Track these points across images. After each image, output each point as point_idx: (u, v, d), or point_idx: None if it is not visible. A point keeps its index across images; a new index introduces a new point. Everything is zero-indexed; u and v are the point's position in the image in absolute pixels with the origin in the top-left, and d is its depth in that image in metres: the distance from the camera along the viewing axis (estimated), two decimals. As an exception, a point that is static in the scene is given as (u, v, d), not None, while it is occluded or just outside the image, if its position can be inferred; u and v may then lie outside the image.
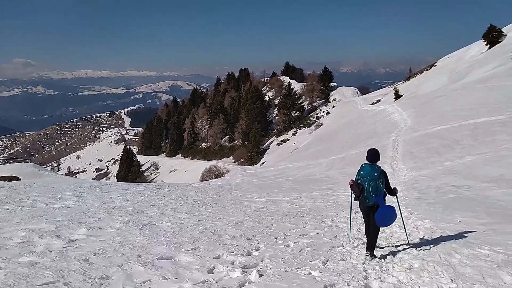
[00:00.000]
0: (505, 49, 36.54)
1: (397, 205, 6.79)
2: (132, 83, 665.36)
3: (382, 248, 6.67)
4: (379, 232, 6.51)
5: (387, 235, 7.55)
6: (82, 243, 6.40)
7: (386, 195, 6.18)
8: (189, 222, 8.78)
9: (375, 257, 6.05)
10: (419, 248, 6.31)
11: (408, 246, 6.56)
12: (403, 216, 7.20)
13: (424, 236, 7.11)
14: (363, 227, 8.16)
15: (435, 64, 60.23)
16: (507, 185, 10.94)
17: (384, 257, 6.03)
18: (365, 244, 6.45)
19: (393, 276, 5.10)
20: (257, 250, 6.48)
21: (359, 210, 6.99)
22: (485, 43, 45.17)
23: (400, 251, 6.31)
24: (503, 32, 43.39)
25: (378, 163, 6.21)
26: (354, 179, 6.22)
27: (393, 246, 6.70)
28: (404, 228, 7.06)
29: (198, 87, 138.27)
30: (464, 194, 11.08)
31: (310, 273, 5.26)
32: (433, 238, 6.92)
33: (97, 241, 6.58)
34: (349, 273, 5.24)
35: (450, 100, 28.91)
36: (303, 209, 11.42)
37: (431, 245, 6.43)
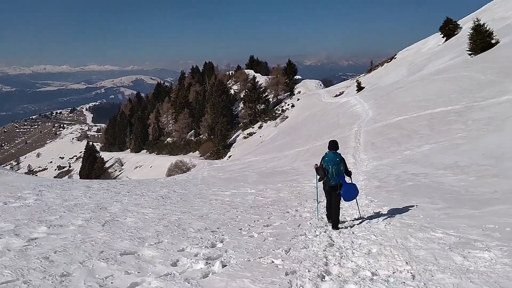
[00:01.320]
0: (460, 41, 37.91)
1: (347, 180, 7.72)
2: (94, 78, 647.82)
3: (343, 230, 6.88)
4: (340, 209, 7.73)
5: (348, 223, 7.78)
6: (42, 241, 6.27)
7: (344, 176, 7.47)
8: (153, 217, 8.74)
9: (339, 228, 7.30)
10: (378, 234, 6.55)
11: (361, 221, 7.65)
12: (355, 190, 7.80)
13: (382, 223, 7.37)
14: (325, 216, 8.44)
15: (395, 57, 61.83)
16: (461, 171, 11.45)
17: (344, 234, 6.30)
18: (328, 225, 7.64)
19: (352, 261, 5.29)
20: (221, 241, 6.55)
21: (321, 200, 8.67)
22: (442, 35, 46.69)
23: (360, 237, 6.53)
24: (459, 24, 44.95)
25: (338, 151, 7.60)
26: (319, 164, 7.51)
27: (353, 233, 6.91)
28: (356, 202, 8.34)
29: (162, 82, 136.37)
30: (422, 181, 11.52)
31: (273, 262, 5.37)
32: (391, 223, 7.19)
33: (58, 239, 6.46)
34: (310, 260, 5.39)
35: (409, 92, 29.79)
36: (268, 201, 11.57)
37: (389, 231, 6.69)
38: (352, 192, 7.37)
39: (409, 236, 6.16)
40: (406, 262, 4.95)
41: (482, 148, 12.92)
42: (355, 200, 7.87)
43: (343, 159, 7.49)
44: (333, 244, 6.20)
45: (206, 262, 5.34)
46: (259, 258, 5.56)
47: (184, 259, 5.51)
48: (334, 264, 5.20)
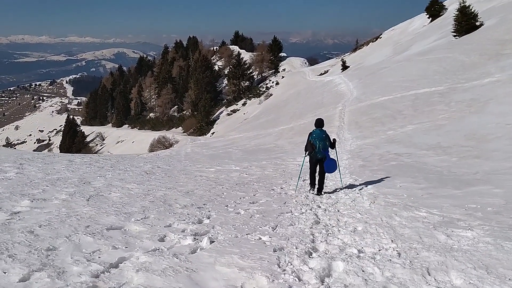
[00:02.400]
0: (446, 22, 38.06)
1: (336, 155, 9.08)
2: (74, 50, 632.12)
3: (329, 208, 6.97)
4: (324, 179, 8.83)
5: (333, 201, 7.87)
6: (26, 215, 6.16)
7: (329, 150, 8.64)
8: (138, 192, 8.67)
9: (322, 194, 8.58)
10: (363, 213, 6.64)
11: (341, 189, 8.59)
12: (338, 162, 9.26)
13: (367, 201, 7.48)
14: (310, 194, 8.53)
15: (380, 36, 61.85)
16: (443, 152, 11.67)
17: (330, 212, 6.39)
18: (312, 191, 8.80)
19: (338, 238, 5.36)
20: (208, 218, 6.55)
21: (306, 178, 9.47)
22: (428, 16, 46.79)
23: (345, 215, 6.62)
24: (445, 5, 45.08)
25: (324, 129, 8.63)
26: (307, 140, 8.61)
27: (338, 211, 7.00)
28: (339, 171, 9.47)
29: (145, 55, 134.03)
30: (405, 161, 11.71)
31: (260, 238, 5.41)
32: (375, 202, 7.30)
33: (42, 212, 6.36)
34: (297, 237, 5.44)
35: (394, 72, 29.96)
36: (253, 178, 11.60)
37: (374, 209, 6.80)
38: (332, 166, 8.53)
39: (393, 214, 6.26)
40: (392, 240, 5.04)
41: (464, 129, 13.16)
42: (338, 171, 9.00)
43: (328, 135, 8.60)
44: (319, 222, 6.27)
45: (194, 238, 5.33)
46: (246, 234, 5.58)
47: (172, 234, 5.50)
48: (321, 241, 5.26)
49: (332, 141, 8.66)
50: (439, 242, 4.85)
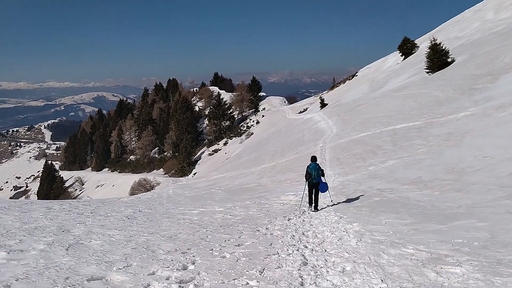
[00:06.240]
0: (418, 59, 39.44)
1: (325, 180, 12.19)
2: (53, 95, 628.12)
3: (315, 248, 6.86)
4: (319, 198, 11.90)
5: (320, 240, 7.78)
6: (2, 267, 5.88)
7: (321, 178, 11.71)
8: (120, 238, 8.42)
9: (318, 210, 11.60)
10: (350, 251, 6.56)
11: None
12: (329, 187, 12.39)
13: (354, 239, 7.41)
14: (296, 234, 8.43)
15: (356, 74, 63.64)
16: (425, 186, 11.77)
17: (317, 252, 6.23)
18: (310, 212, 11.63)
19: (327, 280, 5.25)
20: (193, 263, 6.37)
21: (292, 217, 10.20)
22: (400, 54, 48.51)
23: (332, 255, 6.52)
24: (416, 43, 46.89)
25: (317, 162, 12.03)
26: (306, 171, 11.75)
27: (325, 251, 6.90)
28: (329, 193, 12.37)
29: (124, 98, 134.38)
30: (388, 196, 11.74)
31: (248, 283, 5.26)
32: (362, 240, 7.24)
33: (19, 265, 6.09)
34: (285, 280, 5.31)
35: (371, 108, 30.61)
36: (237, 219, 11.43)
37: (361, 248, 6.72)
38: (325, 187, 11.73)
39: (381, 252, 6.20)
40: (382, 280, 4.96)
41: (444, 163, 13.35)
42: (327, 192, 12.06)
43: (320, 167, 11.83)
44: (307, 263, 6.15)
45: (179, 286, 5.16)
46: (233, 279, 5.43)
47: (156, 283, 5.31)
48: (310, 283, 5.14)
49: (322, 171, 11.83)
50: (429, 280, 4.80)
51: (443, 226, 7.56)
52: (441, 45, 30.38)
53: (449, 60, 29.89)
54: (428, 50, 30.81)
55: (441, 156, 14.28)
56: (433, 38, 31.07)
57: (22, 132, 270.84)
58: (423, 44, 42.61)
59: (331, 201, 12.30)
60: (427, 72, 31.00)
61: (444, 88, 23.73)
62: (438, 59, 29.97)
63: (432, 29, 51.59)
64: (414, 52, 46.13)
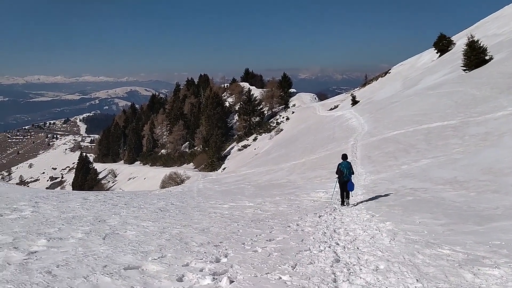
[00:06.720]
0: (454, 56, 38.35)
1: (352, 179, 12.46)
2: (88, 89, 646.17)
3: (347, 245, 6.83)
4: (350, 195, 12.50)
5: (352, 238, 7.73)
6: (43, 254, 6.13)
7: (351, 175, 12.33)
8: (154, 230, 8.62)
9: (349, 204, 12.15)
10: (384, 250, 6.49)
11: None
12: (360, 185, 14.07)
13: (387, 238, 7.33)
14: (327, 231, 8.40)
15: (389, 71, 62.37)
16: (460, 187, 11.49)
17: (349, 249, 6.20)
18: (341, 209, 11.88)
19: (360, 277, 5.22)
20: (226, 256, 6.46)
21: (322, 214, 10.22)
22: (436, 51, 47.24)
23: (365, 253, 6.47)
24: (453, 40, 45.53)
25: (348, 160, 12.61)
26: (337, 168, 12.48)
27: (358, 249, 6.86)
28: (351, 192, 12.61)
29: (157, 93, 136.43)
30: (422, 196, 11.53)
31: (280, 278, 5.29)
32: (395, 239, 7.15)
33: (59, 252, 6.33)
34: (318, 276, 5.31)
35: (405, 106, 30.01)
36: (267, 214, 11.49)
37: (394, 247, 6.64)
38: (352, 186, 12.19)
39: (416, 252, 6.11)
40: (417, 280, 4.89)
41: (480, 163, 12.99)
42: (354, 190, 12.95)
43: (351, 165, 12.54)
44: (339, 260, 6.13)
45: (213, 278, 5.24)
46: (266, 274, 5.47)
47: (190, 274, 5.41)
48: (343, 280, 5.13)
49: (353, 170, 12.44)
50: (466, 281, 4.71)
51: (479, 227, 7.38)
52: (479, 42, 29.42)
53: (487, 58, 28.92)
54: (465, 47, 29.89)
55: (477, 156, 13.90)
56: (471, 35, 30.12)
57: (59, 125, 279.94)
58: (459, 41, 41.35)
59: (354, 201, 12.80)
60: (464, 70, 30.10)
61: (482, 87, 23.01)
62: (476, 56, 29.04)
63: (470, 26, 49.97)
64: (450, 49, 44.82)
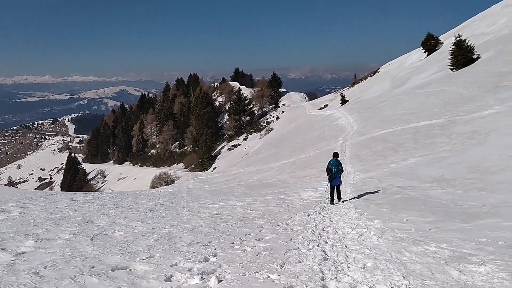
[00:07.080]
0: (442, 56, 38.67)
1: (341, 176, 12.64)
2: (76, 89, 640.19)
3: (336, 244, 6.87)
4: (340, 190, 12.76)
5: (340, 236, 7.78)
6: (31, 255, 6.08)
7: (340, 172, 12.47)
8: (142, 230, 8.59)
9: (344, 201, 12.49)
10: (371, 248, 6.55)
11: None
12: (342, 181, 12.94)
13: (375, 236, 7.38)
14: (316, 229, 8.44)
15: (378, 71, 62.76)
16: (447, 185, 11.60)
17: (337, 248, 6.24)
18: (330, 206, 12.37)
19: (348, 275, 5.26)
20: (214, 256, 6.46)
21: (312, 213, 10.12)
22: (424, 50, 47.61)
23: (353, 251, 6.52)
24: (440, 40, 45.91)
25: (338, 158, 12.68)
26: (326, 166, 12.54)
27: (346, 247, 6.90)
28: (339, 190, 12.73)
29: (146, 93, 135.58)
30: (409, 194, 11.63)
31: (269, 277, 5.31)
32: (383, 237, 7.21)
33: (46, 253, 6.28)
34: (306, 274, 5.34)
35: (393, 105, 30.22)
36: (257, 214, 11.51)
37: (382, 244, 6.70)
38: (337, 181, 12.44)
39: (403, 250, 6.17)
40: (403, 277, 4.94)
41: (467, 161, 13.13)
42: (342, 185, 13.28)
43: (341, 163, 12.61)
44: (328, 258, 6.17)
45: (201, 277, 5.25)
46: (254, 273, 5.49)
47: (178, 274, 5.41)
48: (331, 278, 5.16)
49: (342, 167, 12.57)
50: (452, 278, 4.77)
51: (466, 225, 7.47)
52: (466, 42, 29.70)
53: (474, 57, 29.19)
54: (453, 47, 30.15)
55: (464, 154, 14.05)
56: (458, 34, 30.39)
57: (47, 125, 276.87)
58: (447, 40, 41.72)
59: (341, 198, 12.91)
60: (451, 69, 30.37)
61: (469, 86, 23.25)
62: (463, 55, 29.30)
63: (457, 25, 50.42)
64: (438, 49, 45.18)
